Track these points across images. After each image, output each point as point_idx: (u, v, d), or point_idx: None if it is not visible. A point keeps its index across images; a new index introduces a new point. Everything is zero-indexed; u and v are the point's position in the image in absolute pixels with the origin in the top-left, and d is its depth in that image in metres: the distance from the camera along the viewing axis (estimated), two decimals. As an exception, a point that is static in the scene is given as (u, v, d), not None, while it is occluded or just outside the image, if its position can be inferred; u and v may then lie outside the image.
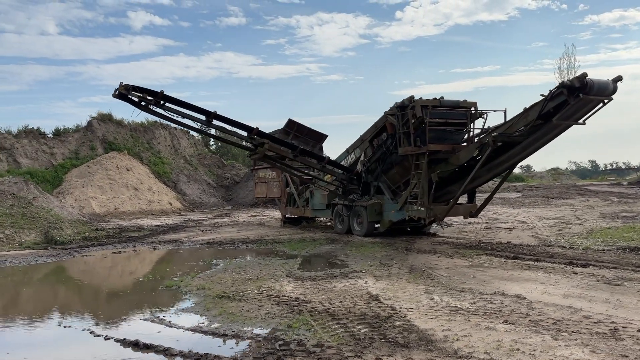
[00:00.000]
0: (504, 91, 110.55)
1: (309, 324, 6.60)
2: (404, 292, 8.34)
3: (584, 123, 12.27)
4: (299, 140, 21.82)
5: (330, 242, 15.39)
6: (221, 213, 30.52)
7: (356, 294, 8.29)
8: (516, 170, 68.48)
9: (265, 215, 27.06)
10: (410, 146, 14.39)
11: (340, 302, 7.78)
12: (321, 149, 22.46)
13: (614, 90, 11.56)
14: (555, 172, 62.27)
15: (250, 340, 6.09)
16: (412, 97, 14.95)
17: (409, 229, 17.05)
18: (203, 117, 14.98)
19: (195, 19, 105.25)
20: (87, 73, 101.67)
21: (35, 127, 33.23)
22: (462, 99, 15.14)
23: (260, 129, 15.69)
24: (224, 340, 6.17)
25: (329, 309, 7.36)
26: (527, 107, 12.41)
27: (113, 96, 14.06)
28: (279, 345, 5.80)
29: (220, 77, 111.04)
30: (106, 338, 6.44)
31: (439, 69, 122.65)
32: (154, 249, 16.01)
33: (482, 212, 24.55)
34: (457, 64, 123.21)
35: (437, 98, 15.11)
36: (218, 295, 8.53)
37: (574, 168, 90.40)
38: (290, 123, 21.63)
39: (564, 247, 12.55)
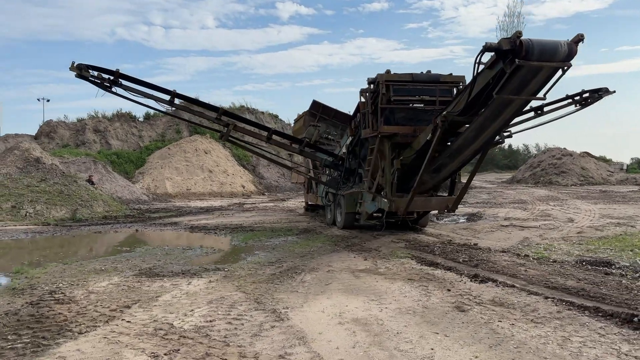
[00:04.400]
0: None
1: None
2: (175, 299, 7.01)
3: (543, 98, 9.60)
4: (327, 123, 20.42)
5: (299, 234, 14.03)
6: (282, 197, 30.12)
7: (135, 299, 7.09)
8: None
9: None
10: (368, 128, 12.54)
11: (95, 306, 6.69)
12: (351, 132, 20.80)
13: (569, 54, 8.74)
14: None
15: None
16: (388, 71, 13.04)
17: (410, 224, 14.81)
18: (167, 97, 14.43)
19: (338, 6, 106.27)
20: (240, 63, 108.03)
21: (127, 111, 35.48)
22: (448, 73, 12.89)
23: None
24: None
25: (54, 314, 6.35)
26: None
27: (75, 76, 13.99)
28: None
29: (363, 63, 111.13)
30: None
31: (601, 47, 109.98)
32: (136, 230, 15.96)
33: (544, 207, 21.23)
34: (624, 41, 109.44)
35: (423, 72, 13.06)
36: (11, 288, 7.90)
37: None
38: (316, 105, 20.23)
39: (516, 255, 9.99)
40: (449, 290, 7.40)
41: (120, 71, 13.81)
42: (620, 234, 12.62)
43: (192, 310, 6.39)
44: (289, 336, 5.35)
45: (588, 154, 39.92)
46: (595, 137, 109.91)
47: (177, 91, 13.85)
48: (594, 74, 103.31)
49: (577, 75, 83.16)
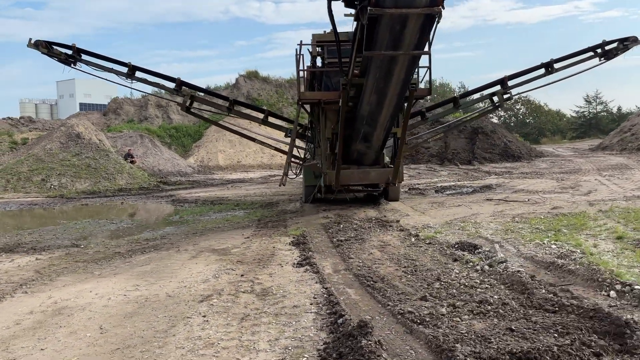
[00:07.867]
0: None
1: None
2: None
3: (427, 52, 8.12)
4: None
5: (254, 208, 13.50)
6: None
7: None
8: None
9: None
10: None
11: None
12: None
13: (434, -2, 7.25)
14: None
15: None
16: (325, 32, 12.02)
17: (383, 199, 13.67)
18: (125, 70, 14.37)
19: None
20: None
21: (188, 86, 36.42)
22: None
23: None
24: None
25: None
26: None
27: (42, 53, 14.31)
28: None
29: (476, 25, 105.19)
30: None
31: None
32: (122, 202, 16.33)
33: (589, 177, 18.56)
34: None
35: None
36: None
37: None
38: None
39: (409, 234, 8.69)
40: (243, 275, 6.56)
41: (77, 45, 13.92)
42: (600, 210, 10.61)
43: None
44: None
45: None
46: None
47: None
48: None
49: None
